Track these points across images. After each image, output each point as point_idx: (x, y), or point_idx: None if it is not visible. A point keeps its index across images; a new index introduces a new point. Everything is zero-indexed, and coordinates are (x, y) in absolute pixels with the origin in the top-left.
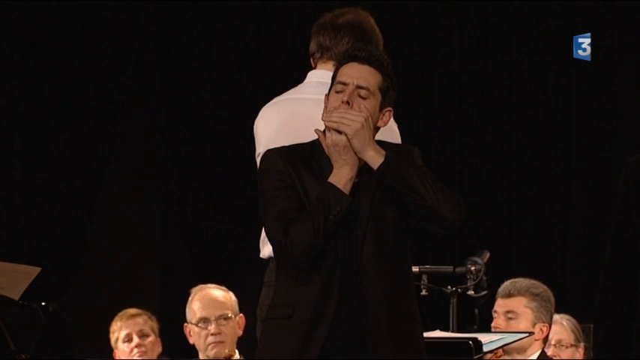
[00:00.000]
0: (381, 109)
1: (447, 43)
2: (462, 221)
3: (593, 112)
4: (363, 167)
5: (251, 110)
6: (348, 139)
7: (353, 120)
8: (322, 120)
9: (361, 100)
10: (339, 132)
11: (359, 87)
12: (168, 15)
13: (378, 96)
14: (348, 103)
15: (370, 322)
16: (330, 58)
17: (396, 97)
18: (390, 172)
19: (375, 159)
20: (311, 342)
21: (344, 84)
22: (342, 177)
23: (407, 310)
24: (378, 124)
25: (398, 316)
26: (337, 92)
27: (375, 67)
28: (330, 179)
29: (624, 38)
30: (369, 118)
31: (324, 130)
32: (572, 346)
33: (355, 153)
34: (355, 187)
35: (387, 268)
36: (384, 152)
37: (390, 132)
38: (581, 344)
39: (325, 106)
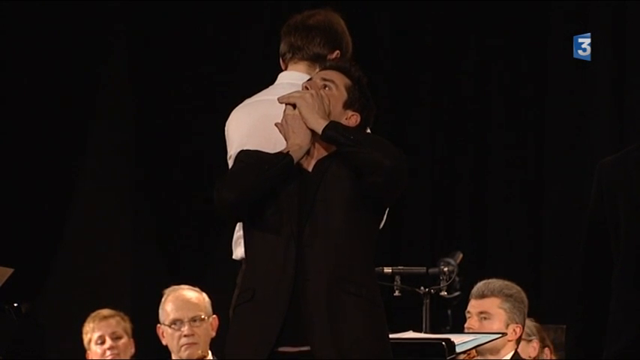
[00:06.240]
0: (345, 107)
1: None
2: (399, 167)
3: (566, 112)
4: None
5: (224, 111)
6: (299, 111)
7: (302, 92)
8: (277, 100)
9: (323, 89)
10: (294, 108)
11: (323, 79)
12: (141, 14)
13: (343, 92)
14: (307, 88)
15: (310, 300)
16: (301, 59)
17: (365, 108)
18: (332, 127)
19: (320, 124)
20: (272, 317)
21: (310, 79)
22: (290, 146)
23: (356, 290)
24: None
25: (344, 295)
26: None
27: (342, 72)
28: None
29: (598, 39)
30: (323, 97)
31: None
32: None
33: (306, 125)
34: (315, 167)
35: (333, 244)
36: (330, 120)
37: None
38: (533, 338)
39: None
